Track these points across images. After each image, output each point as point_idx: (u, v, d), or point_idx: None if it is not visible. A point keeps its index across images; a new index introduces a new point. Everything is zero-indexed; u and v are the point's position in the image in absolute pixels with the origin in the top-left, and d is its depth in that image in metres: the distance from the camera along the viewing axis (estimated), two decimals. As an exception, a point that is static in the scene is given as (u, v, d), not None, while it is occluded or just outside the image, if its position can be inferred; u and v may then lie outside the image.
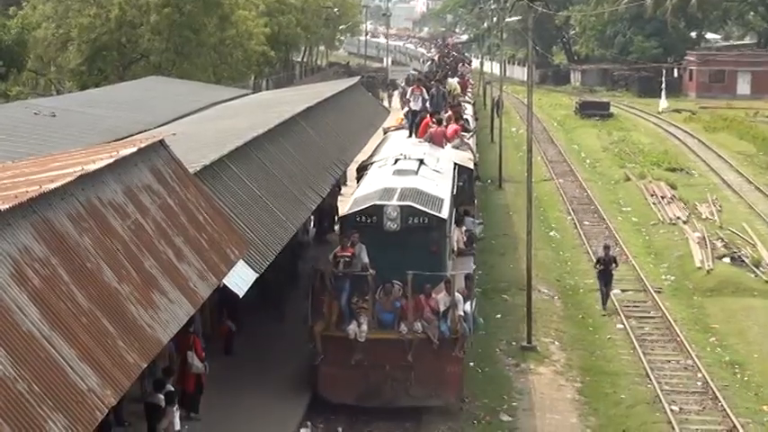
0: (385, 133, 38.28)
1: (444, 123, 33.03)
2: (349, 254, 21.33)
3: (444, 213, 22.97)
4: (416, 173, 25.59)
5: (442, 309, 21.38)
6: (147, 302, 11.78)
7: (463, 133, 35.67)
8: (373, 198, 23.12)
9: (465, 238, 27.17)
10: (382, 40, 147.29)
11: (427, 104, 34.30)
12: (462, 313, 21.59)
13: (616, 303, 30.38)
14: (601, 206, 45.40)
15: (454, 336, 21.36)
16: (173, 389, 17.94)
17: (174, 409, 17.72)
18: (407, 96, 35.70)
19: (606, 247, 31.81)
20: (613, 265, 30.69)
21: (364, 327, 21.14)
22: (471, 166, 31.97)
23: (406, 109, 35.91)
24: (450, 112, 35.82)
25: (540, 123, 74.02)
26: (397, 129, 36.93)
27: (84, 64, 58.91)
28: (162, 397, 17.58)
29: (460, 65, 70.71)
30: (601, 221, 42.56)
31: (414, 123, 33.54)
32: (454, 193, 26.80)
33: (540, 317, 29.21)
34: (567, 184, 51.77)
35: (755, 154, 60.26)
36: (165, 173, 14.89)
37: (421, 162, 26.84)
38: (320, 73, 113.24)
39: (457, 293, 21.78)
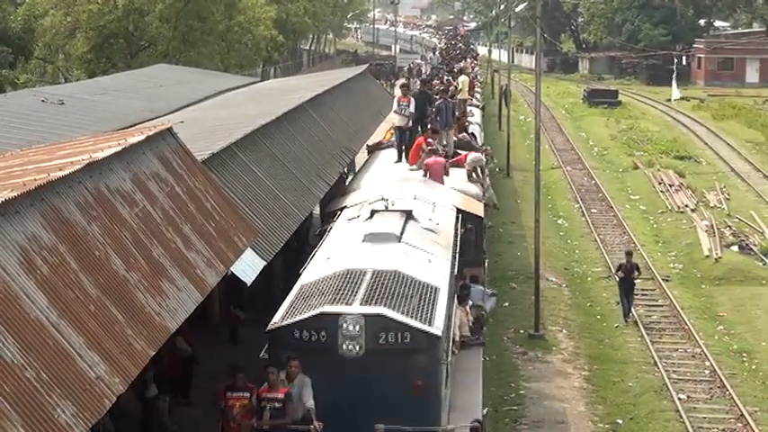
0: (370, 152, 30.87)
1: (443, 146, 26.87)
2: (281, 396, 13.61)
3: (438, 323, 14.31)
4: (399, 238, 17.33)
5: None
6: (155, 290, 11.78)
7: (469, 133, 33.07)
8: (322, 300, 14.42)
9: (472, 320, 19.16)
10: (399, 29, 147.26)
11: (432, 121, 27.77)
12: None
13: (636, 315, 28.05)
14: (609, 194, 45.33)
15: None
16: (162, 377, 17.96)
17: (167, 399, 17.77)
18: (394, 108, 27.98)
19: (628, 254, 29.26)
20: (635, 273, 28.25)
21: None
22: (480, 210, 23.35)
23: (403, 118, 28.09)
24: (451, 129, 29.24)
25: (548, 111, 73.92)
26: (386, 147, 29.68)
27: (92, 52, 58.98)
28: (154, 385, 17.61)
29: (464, 61, 60.14)
30: (609, 210, 42.49)
31: (403, 144, 27.07)
32: (457, 258, 18.42)
33: (548, 305, 29.21)
34: (574, 173, 51.68)
35: (764, 142, 60.07)
36: (173, 161, 14.88)
37: (408, 216, 18.67)
38: (328, 61, 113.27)
39: None
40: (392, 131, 29.59)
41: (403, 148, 26.88)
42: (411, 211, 18.97)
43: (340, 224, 20.13)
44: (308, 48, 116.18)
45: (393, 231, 17.50)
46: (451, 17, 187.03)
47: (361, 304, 14.06)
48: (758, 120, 68.64)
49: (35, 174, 11.78)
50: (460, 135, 30.07)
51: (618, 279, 28.77)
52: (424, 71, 60.09)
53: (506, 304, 29.06)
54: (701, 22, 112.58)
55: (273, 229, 19.00)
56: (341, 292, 14.50)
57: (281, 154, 23.21)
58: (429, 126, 27.22)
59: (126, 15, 58.76)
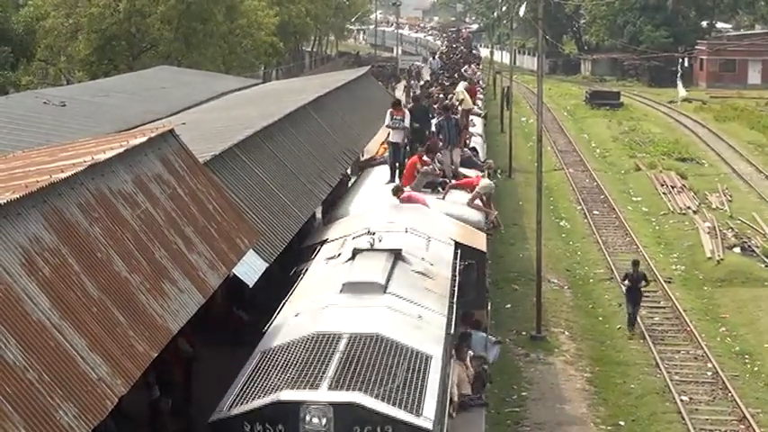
0: (360, 170, 28.63)
1: (449, 165, 24.88)
2: None
3: (429, 410, 11.43)
4: (384, 288, 14.57)
5: None
6: (157, 292, 11.78)
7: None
8: (282, 379, 11.67)
9: (472, 375, 16.43)
10: (406, 31, 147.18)
11: (440, 137, 25.78)
12: None
13: (642, 325, 27.51)
14: (611, 196, 45.31)
15: None
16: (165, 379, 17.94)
17: (168, 401, 17.76)
18: (387, 122, 26.22)
19: (635, 263, 28.52)
20: (643, 282, 27.68)
21: None
22: (482, 243, 20.17)
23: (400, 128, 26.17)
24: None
25: (550, 113, 73.90)
26: (379, 163, 27.51)
27: (94, 54, 59.04)
28: (157, 388, 17.60)
29: (466, 67, 57.65)
30: (611, 211, 42.48)
31: (397, 162, 25.16)
32: (455, 309, 15.49)
33: (550, 307, 29.21)
34: (577, 174, 51.67)
35: (766, 144, 60.08)
36: (175, 162, 14.88)
37: (397, 257, 15.87)
38: (330, 63, 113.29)
39: None
40: (385, 146, 26.86)
41: (397, 166, 24.87)
42: (400, 250, 16.05)
43: (317, 266, 17.08)
44: (310, 49, 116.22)
45: (377, 280, 14.58)
46: (453, 19, 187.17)
47: (330, 388, 11.15)
48: (760, 121, 68.62)
49: (37, 175, 11.78)
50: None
51: (624, 288, 28.23)
52: (423, 74, 59.59)
53: (508, 306, 29.06)
54: (704, 23, 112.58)
55: (275, 230, 19.00)
56: (306, 368, 11.61)
57: (283, 156, 23.22)
58: (427, 143, 25.22)
59: (128, 17, 58.81)
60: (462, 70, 54.33)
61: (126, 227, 12.19)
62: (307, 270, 17.19)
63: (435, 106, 31.60)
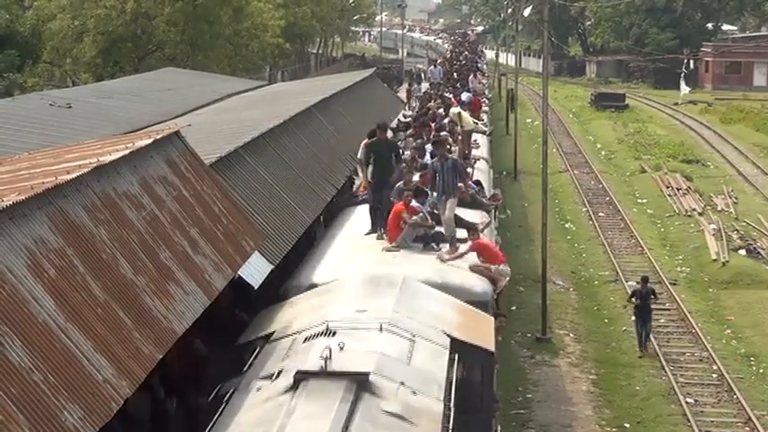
0: (335, 214, 22.27)
1: (444, 221, 18.40)
2: None
3: None
4: None
5: None
6: (163, 294, 11.79)
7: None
8: None
9: None
10: (417, 34, 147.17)
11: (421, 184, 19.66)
12: None
13: (655, 344, 26.13)
14: (616, 198, 45.31)
15: None
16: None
17: (173, 401, 17.76)
18: (360, 155, 21.22)
19: (644, 279, 27.04)
20: (652, 298, 26.28)
21: None
22: (489, 339, 14.29)
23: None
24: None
25: (555, 115, 73.90)
26: (362, 202, 20.90)
27: (100, 56, 59.11)
28: (162, 389, 17.60)
29: (472, 77, 50.56)
30: (616, 213, 42.47)
31: (378, 204, 19.16)
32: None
33: (555, 309, 29.19)
34: (582, 176, 51.67)
35: (772, 146, 60.11)
36: (181, 164, 14.89)
37: (361, 388, 10.83)
38: (335, 64, 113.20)
39: None
40: (366, 182, 20.48)
41: (377, 210, 19.05)
42: (367, 377, 10.95)
43: (245, 391, 11.88)
44: (315, 51, 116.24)
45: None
46: (459, 21, 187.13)
47: None
48: (766, 123, 68.69)
49: (42, 177, 11.80)
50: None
51: (633, 306, 26.80)
52: (423, 77, 57.50)
53: (513, 308, 29.05)
54: (709, 25, 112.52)
55: (280, 232, 19.01)
56: None
57: (288, 157, 23.21)
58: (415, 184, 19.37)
59: (134, 19, 58.86)
60: (469, 80, 48.76)
61: (131, 228, 12.21)
62: (232, 396, 11.93)
63: (432, 124, 28.47)
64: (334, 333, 12.25)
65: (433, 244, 18.12)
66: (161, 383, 17.55)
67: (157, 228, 12.86)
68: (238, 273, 15.09)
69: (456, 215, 18.93)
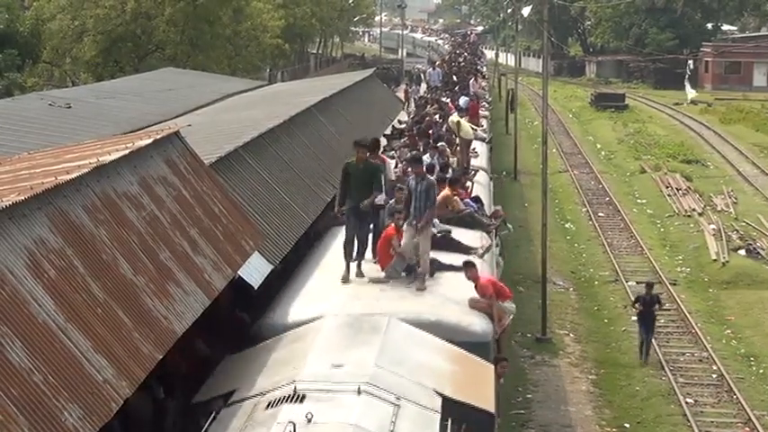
0: (321, 234, 19.65)
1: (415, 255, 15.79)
2: None
3: None
4: None
5: None
6: (163, 294, 11.79)
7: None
8: None
9: None
10: (419, 35, 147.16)
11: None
12: None
13: (658, 351, 25.52)
14: (616, 198, 45.30)
15: None
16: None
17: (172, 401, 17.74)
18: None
19: (648, 285, 26.12)
20: (657, 306, 25.22)
21: None
22: (488, 399, 12.34)
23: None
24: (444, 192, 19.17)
25: (555, 115, 73.90)
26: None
27: (100, 56, 59.12)
28: (161, 389, 17.58)
29: (472, 80, 47.64)
30: (616, 213, 42.46)
31: (357, 232, 16.20)
32: None
33: (555, 309, 29.18)
34: (582, 176, 51.66)
35: (772, 146, 60.11)
36: (180, 164, 14.90)
37: None
38: (335, 65, 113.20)
39: None
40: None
41: (351, 245, 16.04)
42: None
43: None
44: (315, 51, 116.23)
45: None
46: (458, 21, 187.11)
47: None
48: (766, 124, 68.67)
49: (42, 177, 11.80)
50: (462, 200, 20.18)
51: (636, 312, 25.78)
52: (423, 77, 56.31)
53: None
54: (709, 25, 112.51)
55: (280, 232, 19.00)
56: None
57: (288, 157, 23.21)
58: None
59: (134, 19, 58.88)
60: (469, 84, 46.34)
61: (131, 229, 12.21)
62: None
63: (430, 131, 27.14)
64: (303, 398, 10.50)
65: (427, 275, 15.75)
66: (160, 383, 17.56)
67: (157, 228, 12.86)
68: (238, 273, 15.09)
69: (452, 238, 17.62)
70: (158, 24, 59.16)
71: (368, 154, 16.76)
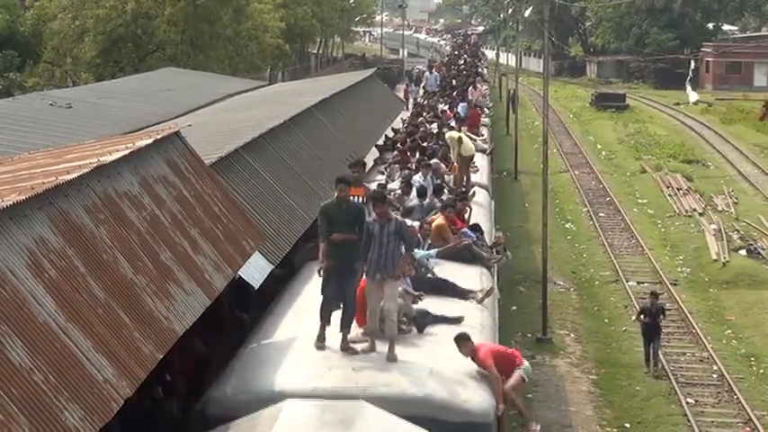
0: (297, 269, 17.46)
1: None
2: None
3: None
4: None
5: None
6: (163, 294, 11.79)
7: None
8: None
9: None
10: (422, 35, 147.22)
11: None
12: None
13: (663, 360, 24.82)
14: (616, 198, 45.31)
15: None
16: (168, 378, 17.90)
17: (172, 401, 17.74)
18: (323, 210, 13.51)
19: (653, 295, 25.64)
20: (661, 316, 24.63)
21: None
22: None
23: None
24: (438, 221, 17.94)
25: (555, 115, 73.88)
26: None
27: (100, 56, 59.13)
28: (160, 389, 17.57)
29: (471, 88, 45.31)
30: (616, 213, 42.46)
31: (332, 304, 13.03)
32: None
33: (556, 309, 29.19)
34: (582, 176, 51.66)
35: (772, 146, 60.09)
36: (181, 164, 14.89)
37: None
38: (336, 65, 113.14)
39: None
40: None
41: (330, 307, 12.99)
42: None
43: None
44: (315, 51, 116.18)
45: None
46: (459, 21, 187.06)
47: None
48: (766, 124, 68.57)
49: (43, 177, 11.80)
50: (460, 230, 18.36)
51: (641, 324, 25.11)
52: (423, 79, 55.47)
53: (514, 308, 29.04)
54: (710, 25, 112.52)
55: (281, 232, 19.00)
56: None
57: (288, 157, 23.21)
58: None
59: (134, 19, 58.87)
60: (468, 91, 43.87)
61: (132, 229, 12.21)
62: None
63: (424, 144, 26.27)
64: None
65: (415, 328, 13.51)
66: (159, 383, 17.55)
67: (158, 228, 12.86)
68: (238, 273, 15.09)
69: (446, 281, 15.27)
70: (159, 24, 59.15)
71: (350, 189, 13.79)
